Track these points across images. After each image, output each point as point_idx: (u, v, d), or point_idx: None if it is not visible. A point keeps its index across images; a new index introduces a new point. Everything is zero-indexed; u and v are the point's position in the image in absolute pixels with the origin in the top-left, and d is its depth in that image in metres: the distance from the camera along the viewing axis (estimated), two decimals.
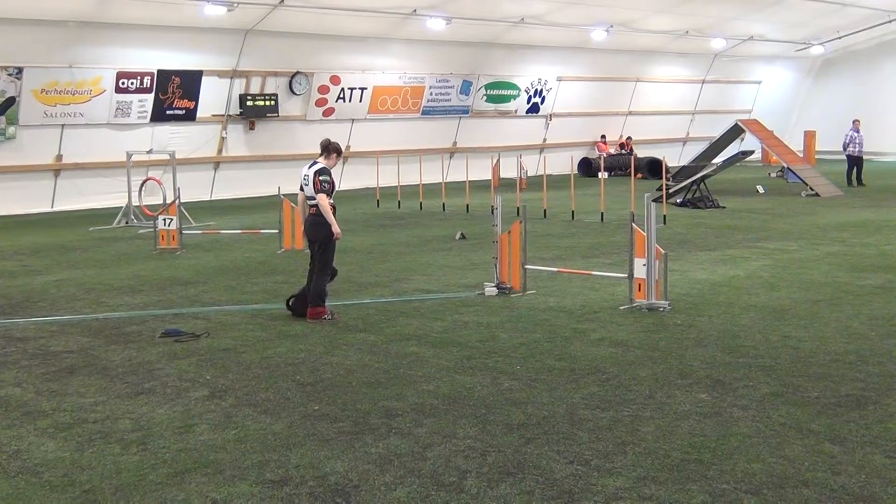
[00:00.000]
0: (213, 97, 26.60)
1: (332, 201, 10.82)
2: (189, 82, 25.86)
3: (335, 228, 10.77)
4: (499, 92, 33.83)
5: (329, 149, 11.06)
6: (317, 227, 10.84)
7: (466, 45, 31.26)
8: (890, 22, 37.73)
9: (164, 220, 16.80)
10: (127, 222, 20.88)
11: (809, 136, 38.25)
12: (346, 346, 9.52)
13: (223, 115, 27.02)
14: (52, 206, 24.43)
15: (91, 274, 14.47)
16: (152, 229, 17.22)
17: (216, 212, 23.59)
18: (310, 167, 10.92)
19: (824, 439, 6.60)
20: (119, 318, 11.16)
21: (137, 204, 21.39)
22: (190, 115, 26.23)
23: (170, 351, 9.49)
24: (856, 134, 29.25)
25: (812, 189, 25.71)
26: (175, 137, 25.70)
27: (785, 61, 42.95)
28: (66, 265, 15.44)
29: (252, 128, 27.85)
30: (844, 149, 29.53)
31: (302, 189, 11.00)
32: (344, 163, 30.24)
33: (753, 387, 7.87)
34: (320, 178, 10.73)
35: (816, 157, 37.41)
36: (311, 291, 10.84)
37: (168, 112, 25.75)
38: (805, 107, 45.12)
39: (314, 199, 10.79)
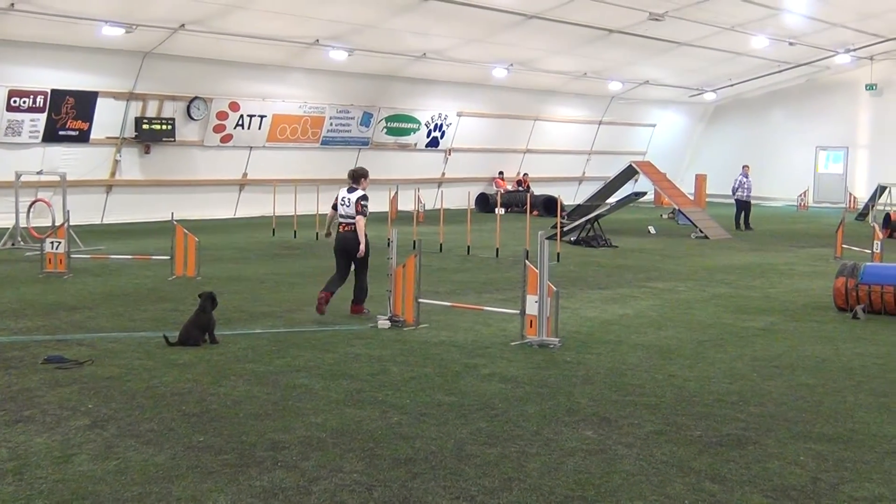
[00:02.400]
0: (108, 119, 26.07)
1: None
2: (83, 103, 25.33)
3: (362, 247, 12.66)
4: (399, 125, 33.96)
5: (361, 176, 13.00)
6: (354, 243, 12.70)
7: (368, 77, 31.36)
8: (780, 72, 39.17)
9: (52, 242, 16.38)
10: (13, 244, 20.29)
11: (700, 180, 39.26)
12: (235, 377, 9.39)
13: (118, 138, 26.53)
14: None
15: None
16: (39, 252, 16.78)
17: (107, 236, 23.09)
18: (349, 192, 12.82)
19: (705, 478, 6.74)
20: (0, 343, 10.84)
21: (25, 226, 20.83)
22: (83, 137, 25.67)
23: (51, 378, 9.23)
24: (745, 179, 30.07)
25: (701, 231, 26.34)
26: (67, 159, 25.06)
27: (679, 106, 44.14)
28: None
29: (147, 151, 27.38)
30: (733, 193, 30.33)
31: (335, 208, 12.95)
32: (241, 191, 30.04)
33: (638, 424, 8.00)
34: (362, 202, 12.72)
35: (706, 200, 38.38)
36: (358, 290, 12.94)
37: (61, 132, 25.16)
38: (697, 151, 46.41)
39: (350, 218, 12.69)
